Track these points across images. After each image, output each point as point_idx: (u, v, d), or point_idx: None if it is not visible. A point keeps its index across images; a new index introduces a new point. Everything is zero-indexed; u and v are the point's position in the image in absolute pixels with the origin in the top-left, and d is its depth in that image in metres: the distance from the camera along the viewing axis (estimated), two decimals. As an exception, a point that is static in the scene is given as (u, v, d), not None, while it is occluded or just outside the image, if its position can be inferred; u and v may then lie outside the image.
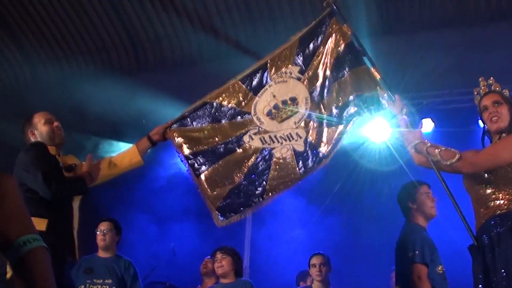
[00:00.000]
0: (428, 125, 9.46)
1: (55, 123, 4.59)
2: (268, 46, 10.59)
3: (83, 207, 4.57)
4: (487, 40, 9.67)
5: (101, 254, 6.36)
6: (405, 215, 5.43)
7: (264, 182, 4.74)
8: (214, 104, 5.00)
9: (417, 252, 4.98)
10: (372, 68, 4.68)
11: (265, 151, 4.80)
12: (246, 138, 4.86)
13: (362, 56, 4.78)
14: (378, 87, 4.61)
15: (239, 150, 4.85)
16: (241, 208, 4.77)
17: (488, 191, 3.82)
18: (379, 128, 9.57)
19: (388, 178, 9.11)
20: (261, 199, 4.74)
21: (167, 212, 10.23)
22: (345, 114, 4.72)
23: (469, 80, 9.45)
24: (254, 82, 5.01)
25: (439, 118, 9.49)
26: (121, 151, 5.04)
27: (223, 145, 4.88)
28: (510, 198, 3.73)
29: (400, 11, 10.29)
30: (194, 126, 4.96)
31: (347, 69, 4.77)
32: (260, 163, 4.80)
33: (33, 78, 11.54)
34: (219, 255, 6.41)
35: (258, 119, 4.89)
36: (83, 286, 6.11)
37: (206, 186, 4.83)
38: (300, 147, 4.74)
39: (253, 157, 4.81)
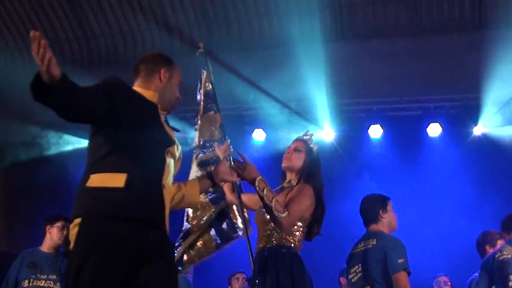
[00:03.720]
0: (377, 131, 9.58)
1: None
2: (222, 45, 10.69)
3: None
4: (439, 50, 9.84)
5: (46, 249, 6.22)
6: (369, 222, 5.34)
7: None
8: None
9: (404, 259, 4.93)
10: (217, 113, 5.29)
11: None
12: None
13: (215, 103, 5.35)
14: (218, 130, 5.21)
15: None
16: None
17: (268, 227, 4.38)
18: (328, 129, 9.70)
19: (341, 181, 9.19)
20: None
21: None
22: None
23: (419, 88, 9.68)
24: None
25: (388, 124, 9.62)
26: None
27: None
28: (282, 236, 4.33)
29: (353, 17, 10.39)
30: None
31: (204, 113, 5.36)
32: None
33: (-18, 68, 11.31)
34: None
35: None
36: (26, 280, 6.00)
37: None
38: None
39: None
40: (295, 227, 4.35)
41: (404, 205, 9.05)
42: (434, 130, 9.48)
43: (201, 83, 5.48)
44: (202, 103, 5.38)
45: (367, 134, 9.71)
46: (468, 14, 10.07)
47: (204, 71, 5.49)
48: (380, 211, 5.25)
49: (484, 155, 9.24)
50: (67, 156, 10.15)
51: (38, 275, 6.03)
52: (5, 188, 11.36)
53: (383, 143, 9.64)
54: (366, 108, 9.83)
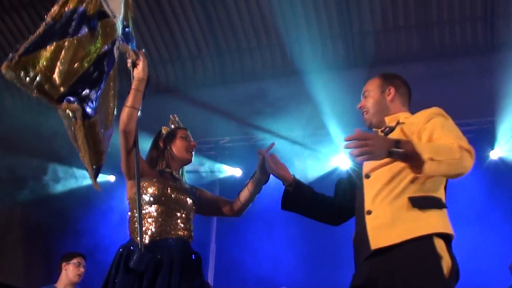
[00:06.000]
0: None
1: None
2: (235, 77, 10.74)
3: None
4: (452, 74, 9.82)
5: (62, 286, 6.20)
6: None
7: None
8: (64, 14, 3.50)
9: None
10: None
11: None
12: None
13: None
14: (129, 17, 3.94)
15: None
16: None
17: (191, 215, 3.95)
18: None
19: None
20: None
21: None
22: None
23: (433, 113, 9.64)
24: None
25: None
26: None
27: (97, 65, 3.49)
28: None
29: (365, 45, 10.42)
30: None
31: None
32: None
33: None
34: None
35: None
36: (43, 318, 6.02)
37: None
38: None
39: None
40: None
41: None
42: (450, 155, 9.40)
43: None
44: None
45: (383, 160, 9.64)
46: (481, 37, 10.07)
47: None
48: None
49: (502, 179, 9.14)
50: (84, 192, 10.16)
51: (54, 312, 6.04)
52: (22, 224, 11.40)
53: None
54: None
